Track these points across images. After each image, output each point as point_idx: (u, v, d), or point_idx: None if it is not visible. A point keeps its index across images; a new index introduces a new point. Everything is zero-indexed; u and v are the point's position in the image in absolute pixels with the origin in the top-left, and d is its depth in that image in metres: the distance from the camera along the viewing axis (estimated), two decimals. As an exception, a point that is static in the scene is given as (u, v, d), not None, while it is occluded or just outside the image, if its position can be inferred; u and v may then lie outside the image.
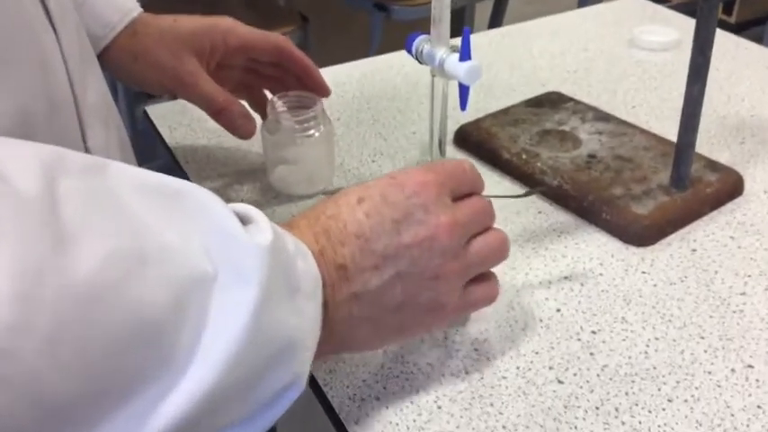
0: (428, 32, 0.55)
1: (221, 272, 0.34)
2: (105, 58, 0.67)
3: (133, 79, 0.70)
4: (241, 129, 0.67)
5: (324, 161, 0.70)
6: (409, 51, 0.53)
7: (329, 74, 0.95)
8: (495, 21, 2.35)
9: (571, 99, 0.84)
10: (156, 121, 0.86)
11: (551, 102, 0.83)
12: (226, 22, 0.68)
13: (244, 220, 0.38)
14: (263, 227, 0.38)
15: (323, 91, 0.71)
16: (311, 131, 0.67)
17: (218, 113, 0.67)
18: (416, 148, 0.79)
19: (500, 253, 0.50)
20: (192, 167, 0.76)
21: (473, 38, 1.08)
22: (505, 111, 0.82)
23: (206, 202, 0.36)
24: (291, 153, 0.69)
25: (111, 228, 0.32)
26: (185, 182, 0.37)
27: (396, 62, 0.98)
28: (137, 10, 0.69)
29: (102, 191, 0.33)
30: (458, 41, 0.54)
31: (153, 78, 0.68)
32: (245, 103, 0.72)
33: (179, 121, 0.85)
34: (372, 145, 0.80)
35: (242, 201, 0.70)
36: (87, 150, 0.53)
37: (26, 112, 0.44)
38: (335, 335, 0.44)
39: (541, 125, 0.78)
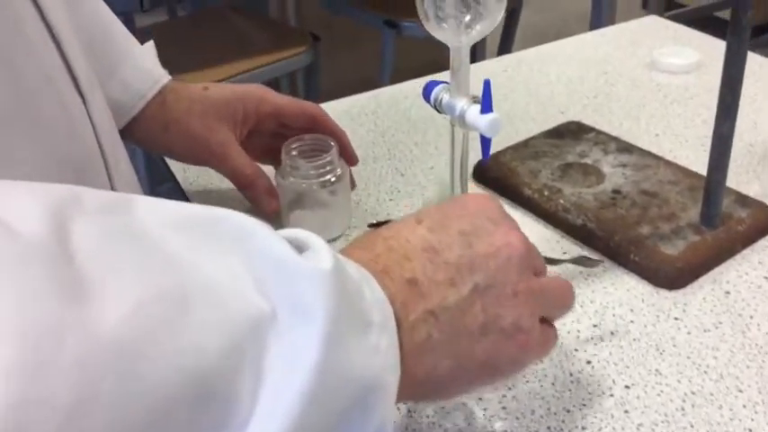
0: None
1: (279, 307, 0.29)
2: (133, 128, 0.66)
3: (162, 149, 0.70)
4: (264, 204, 0.67)
5: (340, 206, 0.68)
6: (427, 100, 0.51)
7: (343, 105, 0.93)
8: (508, 32, 2.33)
9: (592, 129, 0.81)
10: (169, 162, 0.84)
11: (572, 132, 0.81)
12: (258, 91, 0.68)
13: (298, 248, 0.33)
14: (322, 252, 0.32)
15: (352, 160, 0.71)
16: (327, 176, 0.65)
17: (244, 187, 0.67)
18: (435, 184, 0.77)
19: (569, 295, 0.45)
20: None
21: (488, 63, 1.06)
22: (525, 143, 0.79)
23: (250, 228, 0.31)
24: (306, 199, 0.67)
25: (142, 268, 0.27)
26: (222, 209, 0.32)
27: (411, 91, 0.96)
28: (166, 77, 0.68)
29: (127, 229, 0.29)
30: (475, 85, 0.53)
31: (183, 148, 0.67)
32: (271, 171, 0.70)
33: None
34: (389, 182, 0.78)
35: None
36: None
37: (53, 176, 0.43)
38: (414, 368, 0.37)
39: (563, 158, 0.76)
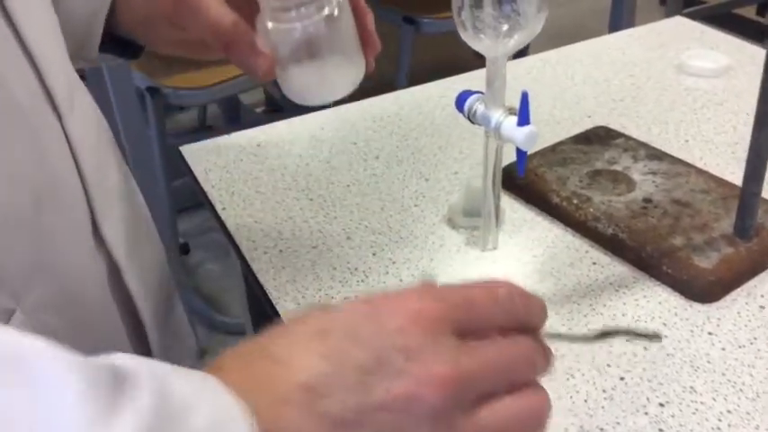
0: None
1: None
2: (118, 12, 0.56)
3: (143, 24, 0.57)
4: (252, 66, 0.49)
5: (346, 48, 0.51)
6: (460, 110, 0.50)
7: (364, 106, 0.92)
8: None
9: (621, 134, 0.80)
10: (190, 161, 0.84)
11: (600, 138, 0.80)
12: None
13: (117, 381, 0.27)
14: (135, 398, 0.27)
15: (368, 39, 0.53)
16: (323, 9, 0.47)
17: (226, 47, 0.50)
18: (459, 189, 0.76)
19: (530, 428, 0.34)
20: (229, 214, 0.74)
21: (510, 65, 1.04)
22: (552, 148, 0.78)
23: (46, 379, 0.26)
24: (297, 47, 0.49)
25: None
26: (35, 342, 0.27)
27: (434, 93, 0.95)
28: None
29: None
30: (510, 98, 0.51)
31: (157, 9, 0.54)
32: None
33: (214, 162, 0.83)
34: (414, 187, 0.77)
35: (280, 251, 0.68)
36: (102, 239, 0.49)
37: (3, 199, 0.40)
38: None
39: (591, 165, 0.75)
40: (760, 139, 0.59)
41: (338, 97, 0.51)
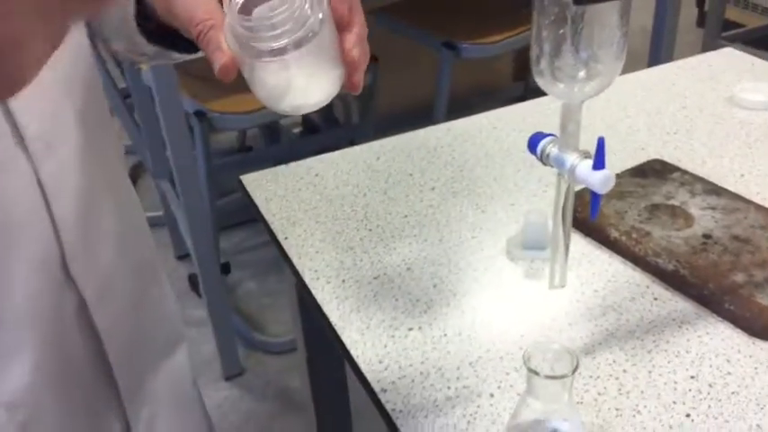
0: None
1: None
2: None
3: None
4: (214, 65, 0.44)
5: (321, 61, 0.45)
6: (533, 152, 0.51)
7: (419, 136, 0.94)
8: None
9: (677, 168, 0.81)
10: (250, 190, 0.86)
11: (656, 171, 0.80)
12: None
13: None
14: None
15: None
16: (286, 38, 0.41)
17: (195, 38, 0.46)
18: (516, 221, 0.77)
19: None
20: (291, 244, 0.76)
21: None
22: (608, 182, 0.79)
23: None
24: (266, 57, 0.43)
25: None
26: None
27: (485, 124, 0.97)
28: None
29: None
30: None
31: None
32: None
33: (274, 191, 0.85)
34: (471, 218, 0.79)
35: (343, 281, 0.70)
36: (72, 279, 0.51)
37: None
38: None
39: (649, 199, 0.76)
40: (825, 178, 0.60)
41: (311, 109, 0.46)
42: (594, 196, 0.48)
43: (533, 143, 0.51)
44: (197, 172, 1.82)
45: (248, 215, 2.06)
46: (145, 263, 0.63)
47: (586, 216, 0.74)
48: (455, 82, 2.08)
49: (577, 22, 0.45)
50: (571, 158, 0.48)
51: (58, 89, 0.51)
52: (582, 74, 0.47)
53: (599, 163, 0.46)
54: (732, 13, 3.08)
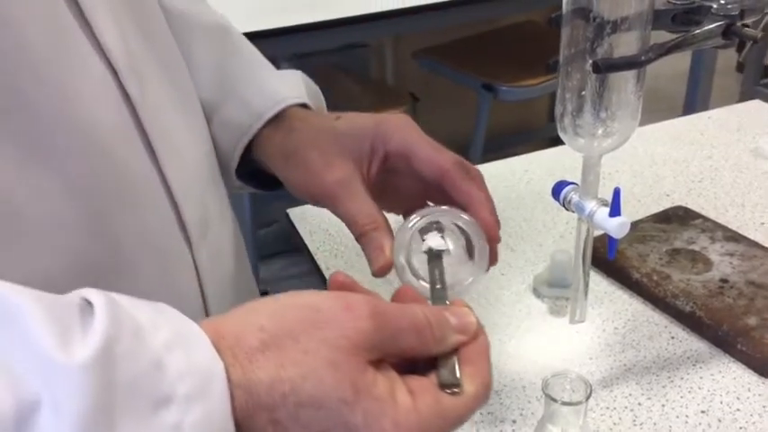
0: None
1: (43, 401, 0.28)
2: (261, 155, 0.59)
3: (286, 183, 0.58)
4: (372, 264, 0.51)
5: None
6: (556, 198, 0.56)
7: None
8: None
9: (699, 215, 0.85)
10: (297, 224, 0.92)
11: (679, 217, 0.85)
12: (396, 121, 0.55)
13: (85, 311, 0.32)
14: (95, 329, 0.30)
15: (493, 239, 0.52)
16: (449, 283, 0.47)
17: (356, 237, 0.53)
18: (544, 260, 0.82)
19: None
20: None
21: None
22: (633, 226, 0.84)
23: (14, 310, 0.30)
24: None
25: None
26: None
27: (517, 167, 1.02)
28: (291, 100, 0.58)
29: None
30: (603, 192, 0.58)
31: (301, 184, 0.56)
32: None
33: (318, 226, 0.91)
34: (501, 256, 0.83)
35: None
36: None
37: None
38: None
39: (671, 243, 0.80)
40: (833, 230, 0.64)
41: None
42: (611, 240, 0.54)
43: (557, 191, 0.56)
44: (243, 202, 1.91)
45: (287, 245, 2.12)
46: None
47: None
48: (492, 122, 2.14)
49: (597, 86, 0.51)
50: (590, 206, 0.53)
51: (208, 183, 0.56)
52: (600, 131, 0.52)
53: (615, 211, 0.51)
54: (772, 60, 3.09)
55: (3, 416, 0.27)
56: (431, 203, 0.54)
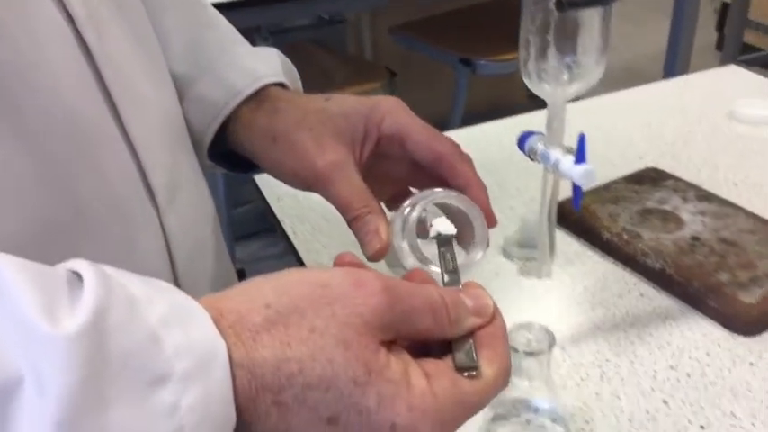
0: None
1: (27, 376, 0.26)
2: (242, 137, 0.56)
3: (271, 165, 0.56)
4: (366, 248, 0.50)
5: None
6: (521, 149, 0.55)
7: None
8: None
9: (671, 176, 0.84)
10: (264, 190, 0.90)
11: (651, 179, 0.84)
12: (388, 104, 0.53)
13: (74, 283, 0.29)
14: (85, 299, 0.28)
15: (489, 221, 0.52)
16: (450, 265, 0.46)
17: (348, 221, 0.51)
18: (515, 224, 0.81)
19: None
20: (299, 240, 0.80)
21: (569, 107, 1.09)
22: (605, 187, 0.83)
23: (2, 279, 0.28)
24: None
25: None
26: None
27: (491, 133, 1.01)
28: (270, 78, 0.56)
29: None
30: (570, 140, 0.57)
31: (289, 167, 0.53)
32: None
33: (286, 191, 0.89)
34: (472, 219, 0.82)
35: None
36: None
37: None
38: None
39: (642, 204, 0.79)
40: (803, 183, 0.63)
41: None
42: (576, 189, 0.52)
43: (522, 141, 0.54)
44: (216, 181, 1.88)
45: (263, 225, 2.11)
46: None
47: (581, 218, 0.78)
48: (470, 98, 2.12)
49: (561, 27, 0.49)
50: (555, 154, 0.52)
51: (173, 147, 0.53)
52: (565, 77, 0.51)
53: (580, 158, 0.50)
54: (751, 37, 3.10)
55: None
56: (414, 190, 0.53)
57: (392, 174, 0.54)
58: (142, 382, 0.28)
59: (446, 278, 0.43)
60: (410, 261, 0.47)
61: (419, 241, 0.48)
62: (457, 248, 0.49)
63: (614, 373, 0.60)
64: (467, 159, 0.52)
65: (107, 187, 0.44)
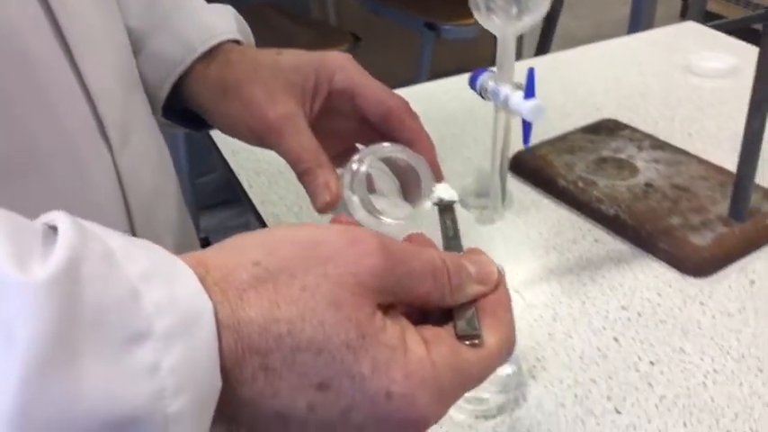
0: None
1: None
2: (194, 90, 0.56)
3: (220, 118, 0.56)
4: (315, 201, 0.50)
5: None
6: (473, 87, 0.54)
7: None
8: (545, 37, 2.36)
9: (627, 126, 0.84)
10: (219, 144, 0.89)
11: (608, 129, 0.84)
12: (339, 59, 0.54)
13: (48, 234, 0.27)
14: (58, 246, 0.26)
15: (436, 177, 0.52)
16: (400, 217, 0.48)
17: (298, 175, 0.52)
18: (472, 174, 0.80)
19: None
20: (255, 192, 0.79)
21: (526, 63, 1.09)
22: (562, 138, 0.83)
23: None
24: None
25: None
26: None
27: (452, 87, 1.00)
28: (227, 35, 0.56)
29: None
30: (520, 77, 0.56)
31: (240, 119, 0.54)
32: None
33: (241, 145, 0.88)
34: (429, 170, 0.82)
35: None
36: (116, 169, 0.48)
37: None
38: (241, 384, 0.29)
39: (598, 153, 0.79)
40: (754, 125, 0.64)
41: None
42: (526, 125, 0.52)
43: (474, 79, 0.54)
44: (177, 148, 1.85)
45: (228, 195, 2.08)
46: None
47: (538, 167, 0.78)
48: (435, 63, 2.11)
49: (509, -42, 0.49)
50: (505, 90, 0.51)
51: (127, 90, 0.53)
52: (514, 10, 0.50)
53: (529, 93, 0.50)
54: (714, 5, 3.12)
55: None
56: (361, 147, 0.52)
57: (341, 130, 0.54)
58: (119, 338, 0.25)
59: (447, 244, 0.42)
60: (360, 214, 0.47)
61: (370, 196, 0.47)
62: (401, 201, 0.50)
63: (566, 314, 0.61)
64: (415, 116, 0.52)
65: (57, 124, 0.43)
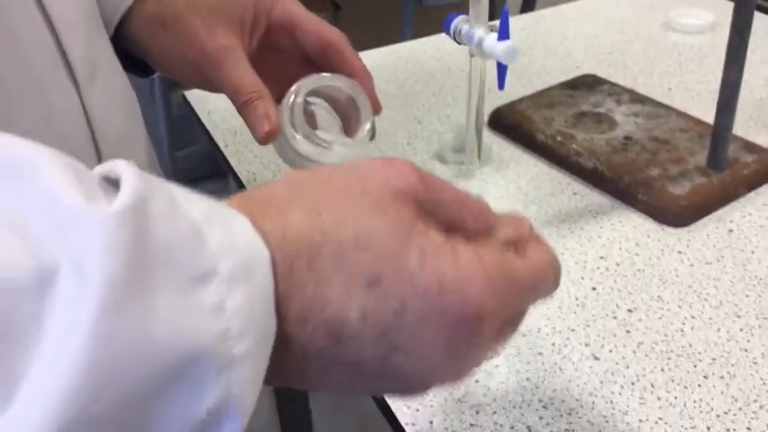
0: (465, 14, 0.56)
1: (62, 263, 0.23)
2: (133, 27, 0.56)
3: (160, 55, 0.56)
4: (256, 132, 0.51)
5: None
6: (447, 32, 0.53)
7: (363, 57, 0.96)
8: (528, 2, 2.34)
9: (607, 81, 0.83)
10: (194, 105, 0.87)
11: (587, 84, 0.83)
12: None
13: (111, 182, 0.26)
14: (124, 187, 0.25)
15: (374, 108, 0.55)
16: (338, 148, 0.50)
17: (239, 107, 0.52)
18: (451, 131, 0.79)
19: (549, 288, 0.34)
20: (230, 151, 0.78)
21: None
22: (540, 93, 0.82)
23: (33, 164, 0.24)
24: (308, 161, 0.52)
25: None
26: (9, 137, 0.26)
27: (431, 47, 0.99)
28: None
29: None
30: (496, 22, 0.55)
31: (179, 53, 0.54)
32: None
33: (216, 105, 0.86)
34: (407, 128, 0.81)
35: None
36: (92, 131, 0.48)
37: None
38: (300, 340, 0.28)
39: (577, 107, 0.78)
40: (731, 73, 0.63)
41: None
42: (501, 67, 0.51)
43: (448, 22, 0.53)
44: (157, 122, 1.83)
45: (209, 169, 2.06)
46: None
47: (516, 122, 0.77)
48: (417, 31, 2.09)
49: None
50: (479, 33, 0.50)
51: (92, 27, 0.52)
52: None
53: (503, 34, 0.49)
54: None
55: (24, 281, 0.22)
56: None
57: (281, 69, 0.55)
58: (187, 276, 0.25)
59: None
60: (303, 147, 0.48)
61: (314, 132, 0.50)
62: (343, 137, 0.52)
63: (545, 265, 0.60)
64: (354, 51, 0.54)
65: (20, 56, 0.42)
